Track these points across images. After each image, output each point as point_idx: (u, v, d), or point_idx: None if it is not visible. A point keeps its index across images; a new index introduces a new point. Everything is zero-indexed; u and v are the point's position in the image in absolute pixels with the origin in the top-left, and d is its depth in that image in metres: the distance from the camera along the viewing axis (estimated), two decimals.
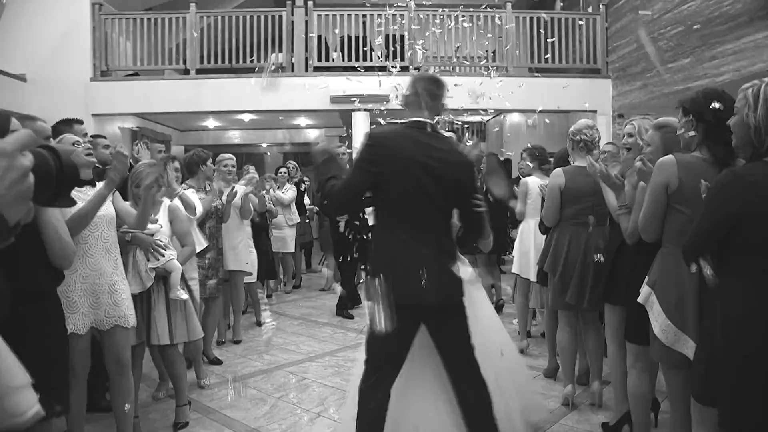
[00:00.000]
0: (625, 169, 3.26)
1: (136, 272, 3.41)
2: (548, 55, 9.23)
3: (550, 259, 3.96)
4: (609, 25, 9.53)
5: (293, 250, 8.14)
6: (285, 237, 7.73)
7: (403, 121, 2.67)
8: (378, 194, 2.57)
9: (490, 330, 3.13)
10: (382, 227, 2.61)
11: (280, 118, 11.92)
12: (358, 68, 8.72)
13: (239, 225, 5.31)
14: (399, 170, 2.49)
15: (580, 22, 9.46)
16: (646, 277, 2.70)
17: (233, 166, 5.18)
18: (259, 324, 6.27)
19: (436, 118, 2.75)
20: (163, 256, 3.49)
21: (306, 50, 9.49)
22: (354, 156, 2.64)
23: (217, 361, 4.90)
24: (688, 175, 2.45)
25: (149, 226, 3.43)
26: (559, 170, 3.92)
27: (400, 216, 2.53)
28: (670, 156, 2.52)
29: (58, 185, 0.95)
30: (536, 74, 9.29)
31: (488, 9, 9.36)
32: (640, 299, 2.68)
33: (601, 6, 9.62)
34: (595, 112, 9.46)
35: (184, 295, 3.56)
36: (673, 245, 2.52)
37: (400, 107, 8.25)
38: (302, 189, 8.52)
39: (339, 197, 2.55)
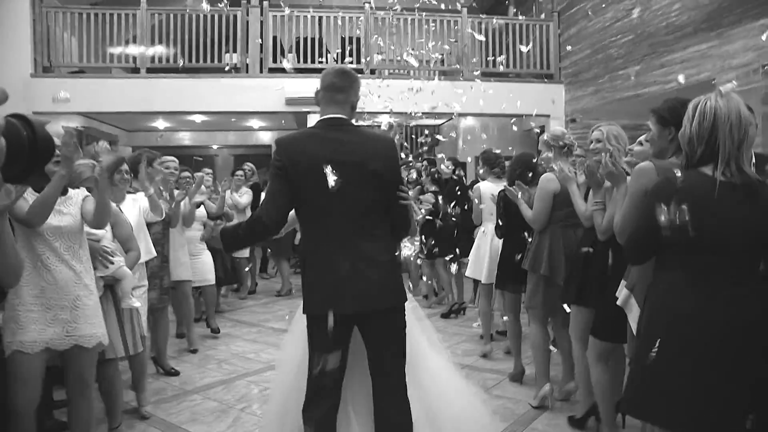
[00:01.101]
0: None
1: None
2: (503, 57, 9.32)
3: (535, 259, 3.98)
4: (562, 32, 9.72)
5: (248, 255, 7.98)
6: None
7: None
8: (295, 201, 2.46)
9: (422, 357, 2.89)
10: (303, 235, 2.53)
11: (233, 119, 11.69)
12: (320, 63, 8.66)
13: (182, 232, 5.14)
14: (306, 174, 2.38)
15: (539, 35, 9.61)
16: (623, 281, 2.76)
17: (175, 169, 4.96)
18: (213, 330, 5.98)
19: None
20: (113, 263, 3.27)
21: (261, 51, 9.33)
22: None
23: (174, 372, 4.72)
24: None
25: (95, 231, 3.19)
26: (551, 175, 3.94)
27: (315, 221, 2.44)
28: (649, 162, 2.58)
29: (31, 159, 0.87)
30: (490, 79, 9.40)
31: (444, 13, 9.42)
32: (619, 302, 2.75)
33: (553, 13, 9.81)
34: (548, 116, 9.65)
35: (137, 303, 3.40)
36: None
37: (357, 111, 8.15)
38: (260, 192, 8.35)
39: (268, 210, 2.43)
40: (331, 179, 2.33)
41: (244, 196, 7.68)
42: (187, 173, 5.69)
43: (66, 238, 2.79)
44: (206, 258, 5.68)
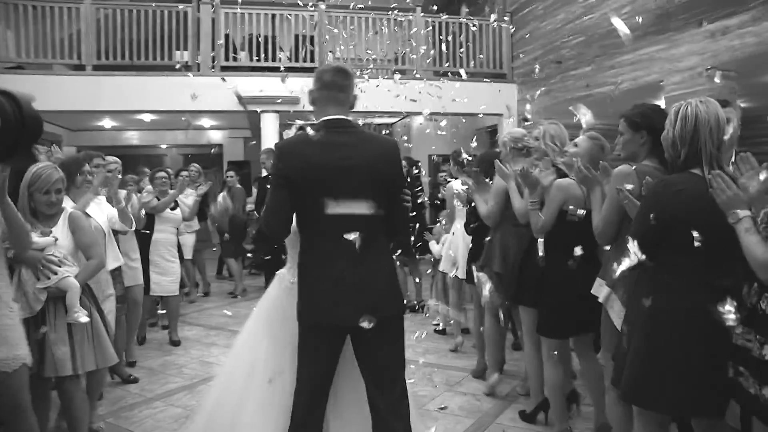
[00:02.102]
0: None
1: (22, 294, 2.93)
2: (462, 51, 9.42)
3: (488, 256, 4.07)
4: (514, 33, 9.89)
5: (191, 257, 7.73)
6: (185, 244, 7.28)
7: (313, 121, 2.47)
8: (296, 207, 2.36)
9: None
10: (303, 241, 2.41)
11: (183, 118, 11.42)
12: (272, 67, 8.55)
13: (130, 235, 4.79)
14: (308, 179, 2.29)
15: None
16: (598, 279, 2.88)
17: (118, 171, 4.60)
18: (173, 343, 5.71)
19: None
20: (55, 273, 3.03)
21: (213, 49, 9.15)
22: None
23: (133, 380, 4.56)
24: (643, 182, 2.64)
25: (37, 239, 2.97)
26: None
27: (317, 228, 2.35)
28: (627, 165, 2.70)
29: (17, 136, 0.85)
30: (447, 77, 9.47)
31: (398, 12, 9.44)
32: (600, 299, 2.84)
33: (506, 13, 9.97)
34: (501, 115, 9.81)
35: (83, 318, 3.07)
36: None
37: (310, 110, 8.13)
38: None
39: (270, 223, 2.34)
40: (338, 184, 2.28)
41: (190, 198, 7.39)
42: (163, 173, 5.59)
43: None
44: (176, 268, 5.47)
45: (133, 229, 4.35)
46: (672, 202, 2.19)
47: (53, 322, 3.01)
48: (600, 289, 2.84)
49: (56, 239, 3.11)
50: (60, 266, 3.06)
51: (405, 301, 2.69)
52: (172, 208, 5.54)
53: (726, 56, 5.70)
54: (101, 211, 3.87)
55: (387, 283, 2.40)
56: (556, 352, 3.32)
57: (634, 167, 2.67)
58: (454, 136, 9.90)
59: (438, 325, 6.15)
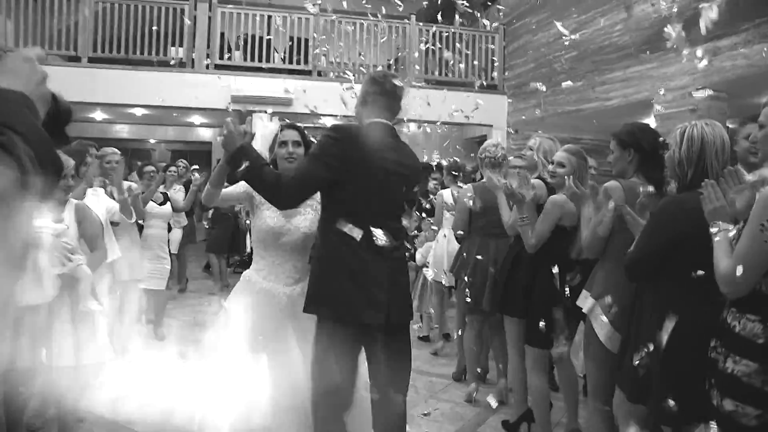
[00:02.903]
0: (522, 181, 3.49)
1: (37, 278, 2.96)
2: (454, 59, 9.50)
3: (459, 266, 4.28)
4: (506, 44, 10.00)
5: (177, 252, 7.73)
6: (172, 239, 7.26)
7: (368, 121, 2.48)
8: (334, 194, 2.34)
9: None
10: (335, 234, 2.34)
11: (175, 114, 11.40)
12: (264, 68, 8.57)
13: (130, 228, 4.78)
14: (365, 172, 2.30)
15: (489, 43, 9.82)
16: (584, 291, 2.95)
17: (116, 162, 4.56)
18: (159, 338, 5.73)
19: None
20: (71, 261, 3.08)
21: (207, 47, 9.17)
22: (315, 146, 2.37)
23: None
24: (632, 198, 2.74)
25: (55, 225, 3.00)
26: (469, 186, 4.30)
27: (358, 222, 2.32)
28: (616, 181, 2.79)
29: (55, 121, 1.03)
30: (438, 86, 9.56)
31: (393, 19, 9.52)
32: (584, 310, 2.89)
33: (500, 25, 10.07)
34: (491, 126, 9.91)
35: (97, 306, 3.17)
36: (616, 261, 2.69)
37: (302, 112, 8.13)
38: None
39: (292, 189, 2.27)
40: (390, 184, 2.35)
41: (178, 193, 7.38)
42: (151, 167, 5.53)
43: None
44: (167, 263, 5.42)
45: (133, 221, 4.32)
46: (681, 219, 2.26)
47: (58, 312, 3.03)
48: (585, 301, 2.91)
49: (67, 227, 3.13)
50: (73, 254, 3.09)
51: None
52: (162, 203, 5.48)
53: (716, 77, 5.83)
54: (99, 203, 3.84)
55: (408, 287, 2.55)
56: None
57: (620, 183, 2.76)
58: (447, 146, 10.01)
59: (421, 331, 6.20)
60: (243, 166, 2.23)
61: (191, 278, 8.82)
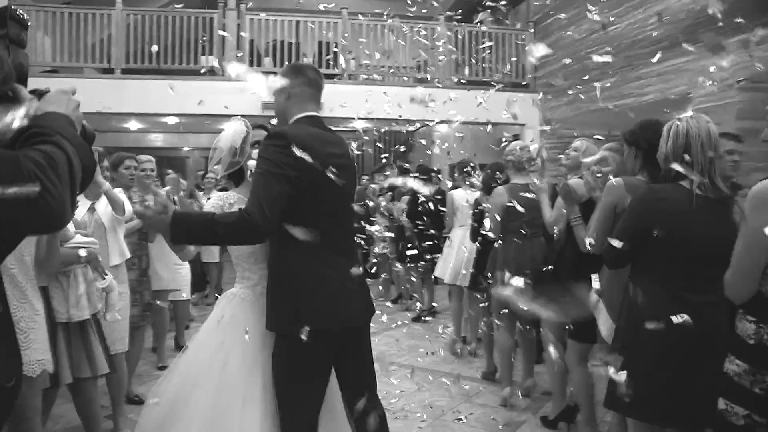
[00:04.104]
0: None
1: (83, 295, 3.00)
2: (484, 60, 9.40)
3: (494, 267, 4.25)
4: (537, 42, 9.84)
5: (218, 260, 7.79)
6: (211, 246, 7.29)
7: (298, 115, 2.32)
8: (295, 205, 2.12)
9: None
10: (293, 241, 2.13)
11: (207, 122, 11.54)
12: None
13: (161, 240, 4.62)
14: (319, 174, 2.13)
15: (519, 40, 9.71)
16: (594, 286, 2.97)
17: (152, 170, 4.43)
18: (179, 347, 5.49)
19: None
20: (108, 274, 3.15)
21: (237, 54, 9.25)
22: (263, 161, 2.11)
23: (138, 401, 4.14)
24: (634, 196, 2.68)
25: (81, 238, 3.01)
26: (501, 189, 4.23)
27: (322, 229, 2.17)
28: (619, 179, 2.82)
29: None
30: (468, 86, 9.47)
31: (421, 20, 9.47)
32: (590, 305, 2.94)
33: (529, 22, 9.94)
34: (523, 125, 9.77)
35: (119, 316, 3.22)
36: None
37: (332, 116, 8.13)
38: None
39: (267, 213, 2.01)
40: (339, 181, 2.21)
41: (211, 201, 7.34)
42: (170, 172, 5.55)
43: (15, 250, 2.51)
44: (186, 271, 5.28)
45: (128, 217, 3.99)
46: (653, 209, 2.31)
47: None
48: (591, 296, 2.94)
49: (97, 243, 3.18)
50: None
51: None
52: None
53: (757, 68, 5.61)
54: (107, 205, 3.65)
55: (366, 285, 2.43)
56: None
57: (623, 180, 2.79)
58: (477, 145, 9.90)
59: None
60: (189, 234, 2.08)
61: (228, 285, 8.82)
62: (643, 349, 2.27)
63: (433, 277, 6.33)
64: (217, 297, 7.93)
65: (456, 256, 5.42)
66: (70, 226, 3.01)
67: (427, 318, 7.05)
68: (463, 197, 5.52)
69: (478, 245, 4.76)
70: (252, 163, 2.38)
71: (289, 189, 2.07)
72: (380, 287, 8.61)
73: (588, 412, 3.45)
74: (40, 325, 2.55)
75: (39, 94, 1.32)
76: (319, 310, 2.15)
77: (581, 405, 3.50)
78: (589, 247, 2.87)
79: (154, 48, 8.32)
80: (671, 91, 6.75)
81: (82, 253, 2.95)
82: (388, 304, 7.93)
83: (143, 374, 4.86)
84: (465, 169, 5.67)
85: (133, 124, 12.00)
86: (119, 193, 3.78)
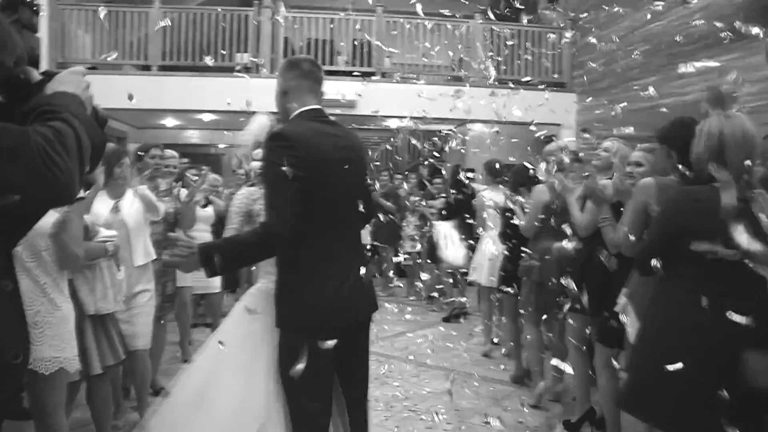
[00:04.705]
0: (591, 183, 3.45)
1: (109, 287, 3.04)
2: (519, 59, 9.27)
3: (528, 266, 4.19)
4: (575, 41, 9.65)
5: None
6: None
7: (298, 110, 2.25)
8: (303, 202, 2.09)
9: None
10: (305, 241, 2.10)
11: (242, 119, 11.65)
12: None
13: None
14: (323, 171, 2.11)
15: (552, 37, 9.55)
16: (624, 288, 2.92)
17: (174, 167, 4.47)
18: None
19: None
20: (122, 266, 3.21)
21: (272, 51, 9.31)
22: (269, 165, 2.08)
23: (165, 393, 4.27)
24: (666, 196, 2.62)
25: (106, 232, 3.04)
26: (542, 186, 4.18)
27: (327, 224, 2.16)
28: (650, 179, 2.77)
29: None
30: (510, 86, 9.33)
31: (457, 19, 9.37)
32: (617, 308, 2.90)
33: (567, 21, 9.75)
34: (559, 125, 9.58)
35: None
36: None
37: (367, 114, 8.12)
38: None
39: (284, 220, 2.00)
40: (344, 175, 2.18)
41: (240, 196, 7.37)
42: (193, 170, 5.54)
43: (30, 243, 2.46)
44: None
45: (159, 218, 3.95)
46: (686, 211, 2.24)
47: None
48: (620, 299, 2.89)
49: (118, 234, 3.19)
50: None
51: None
52: (204, 206, 5.31)
53: None
54: (132, 204, 3.63)
55: (371, 281, 2.37)
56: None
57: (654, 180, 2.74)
58: (513, 145, 9.78)
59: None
60: (219, 263, 2.02)
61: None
62: (669, 353, 2.16)
63: (468, 279, 6.22)
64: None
65: (487, 257, 5.35)
66: (95, 221, 3.03)
67: (460, 319, 7.03)
68: (492, 198, 5.45)
69: (508, 246, 4.69)
70: (255, 165, 2.38)
71: (299, 189, 2.04)
72: (401, 285, 8.58)
73: (613, 418, 3.34)
74: (60, 321, 2.54)
75: (50, 75, 1.33)
76: (321, 307, 2.13)
77: (606, 410, 3.42)
78: (624, 249, 2.82)
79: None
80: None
81: (110, 247, 2.98)
82: (416, 300, 7.88)
83: (170, 364, 4.90)
84: (492, 169, 5.61)
85: (170, 121, 12.18)
86: (144, 189, 3.78)
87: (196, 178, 5.22)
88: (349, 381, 2.36)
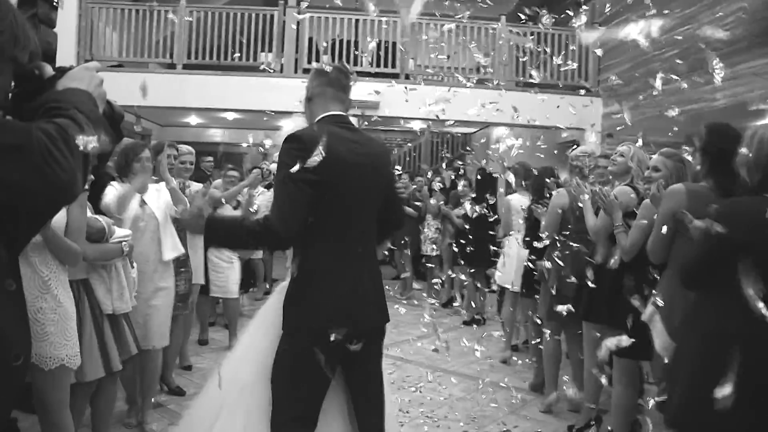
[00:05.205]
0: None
1: (125, 287, 3.05)
2: (541, 62, 9.17)
3: (544, 272, 4.17)
4: (602, 44, 9.52)
5: (261, 256, 7.82)
6: None
7: (320, 116, 2.28)
8: (314, 206, 2.11)
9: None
10: (318, 244, 2.15)
11: (265, 119, 11.69)
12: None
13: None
14: (337, 175, 2.10)
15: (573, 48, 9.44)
16: (652, 297, 2.85)
17: (191, 163, 4.45)
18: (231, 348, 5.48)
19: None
20: (135, 264, 3.21)
21: (296, 51, 9.32)
22: (279, 165, 2.11)
23: (179, 392, 4.23)
24: (696, 203, 2.59)
25: (120, 232, 3.03)
26: (562, 190, 4.17)
27: (340, 229, 2.17)
28: (680, 185, 2.72)
29: (111, 122, 1.34)
30: (534, 89, 9.24)
31: (482, 21, 9.31)
32: (644, 317, 2.84)
33: (594, 24, 9.61)
34: (583, 130, 9.46)
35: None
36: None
37: (390, 115, 8.08)
38: None
39: (287, 222, 2.03)
40: (360, 181, 2.17)
41: (260, 196, 7.40)
42: (235, 172, 5.46)
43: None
44: (236, 267, 5.23)
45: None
46: (741, 225, 2.12)
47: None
48: (647, 309, 2.83)
49: (131, 232, 3.19)
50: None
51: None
52: (235, 207, 5.25)
53: None
54: (158, 198, 3.67)
55: (383, 290, 2.33)
56: None
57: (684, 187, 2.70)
58: (535, 149, 9.67)
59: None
60: (221, 239, 2.20)
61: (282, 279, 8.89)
62: (716, 369, 2.07)
63: (496, 284, 6.13)
64: (266, 293, 8.13)
65: (515, 261, 5.31)
66: (109, 221, 3.02)
67: (479, 324, 6.99)
68: (519, 202, 5.41)
69: (531, 251, 4.65)
70: (273, 167, 2.37)
71: (309, 193, 2.05)
72: (420, 288, 8.53)
73: (622, 428, 3.32)
74: (63, 319, 2.52)
75: (62, 71, 1.31)
76: (326, 309, 2.12)
77: (616, 420, 3.35)
78: (651, 257, 2.79)
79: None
80: (745, 96, 6.36)
81: (126, 247, 2.99)
82: (436, 304, 7.83)
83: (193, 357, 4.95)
84: (519, 172, 5.55)
85: (193, 119, 12.28)
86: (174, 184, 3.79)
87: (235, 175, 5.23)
88: (362, 408, 2.30)
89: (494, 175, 7.64)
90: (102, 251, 2.89)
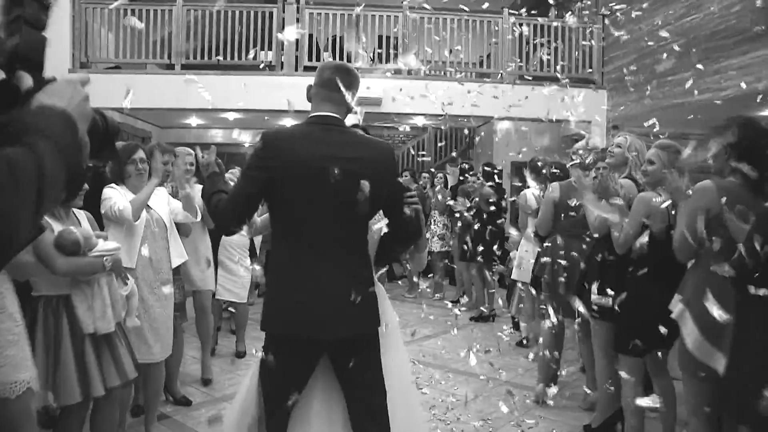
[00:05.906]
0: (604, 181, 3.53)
1: (108, 306, 2.77)
2: (546, 55, 9.06)
3: (540, 267, 4.27)
4: (606, 35, 9.40)
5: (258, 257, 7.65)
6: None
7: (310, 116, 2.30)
8: (271, 205, 2.20)
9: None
10: (278, 245, 2.22)
11: (266, 118, 11.59)
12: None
13: (203, 234, 4.49)
14: (295, 175, 2.10)
15: (584, 42, 9.33)
16: (677, 295, 2.81)
17: (191, 164, 4.26)
18: (239, 355, 5.28)
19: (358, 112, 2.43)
20: (129, 279, 2.99)
21: (296, 49, 9.21)
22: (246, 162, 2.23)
23: (185, 402, 4.10)
24: (731, 199, 2.52)
25: (104, 244, 2.79)
26: (555, 184, 4.23)
27: (298, 231, 2.15)
28: (708, 181, 2.64)
29: (104, 138, 1.20)
30: (540, 83, 9.13)
31: (485, 14, 9.19)
32: (673, 315, 2.78)
33: (598, 15, 9.50)
34: (589, 122, 9.34)
35: (138, 322, 3.06)
36: (709, 266, 2.58)
37: (392, 111, 7.99)
38: None
39: (224, 212, 2.19)
40: (330, 184, 2.08)
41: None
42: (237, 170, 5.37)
43: None
44: (246, 272, 5.07)
45: (199, 219, 3.90)
46: None
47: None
48: (675, 305, 2.79)
49: (120, 246, 2.96)
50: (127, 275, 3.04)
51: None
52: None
53: None
54: (163, 203, 3.60)
55: (367, 300, 2.20)
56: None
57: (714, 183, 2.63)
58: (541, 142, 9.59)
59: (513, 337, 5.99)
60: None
61: None
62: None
63: (514, 279, 6.03)
64: (260, 296, 7.99)
65: (531, 255, 5.18)
66: (92, 233, 2.83)
67: (488, 320, 6.95)
68: (535, 196, 5.37)
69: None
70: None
71: (252, 189, 2.14)
72: (425, 286, 8.43)
73: (636, 426, 3.27)
74: (21, 338, 2.23)
75: (42, 83, 1.12)
76: (282, 315, 2.15)
77: (628, 418, 3.31)
78: (679, 254, 2.74)
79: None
80: (754, 86, 6.23)
81: (108, 263, 2.76)
82: (447, 303, 7.73)
83: (185, 377, 4.66)
84: (536, 167, 5.43)
85: (194, 120, 12.17)
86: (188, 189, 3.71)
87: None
88: (359, 418, 2.25)
89: (498, 168, 7.57)
90: (77, 265, 2.65)
